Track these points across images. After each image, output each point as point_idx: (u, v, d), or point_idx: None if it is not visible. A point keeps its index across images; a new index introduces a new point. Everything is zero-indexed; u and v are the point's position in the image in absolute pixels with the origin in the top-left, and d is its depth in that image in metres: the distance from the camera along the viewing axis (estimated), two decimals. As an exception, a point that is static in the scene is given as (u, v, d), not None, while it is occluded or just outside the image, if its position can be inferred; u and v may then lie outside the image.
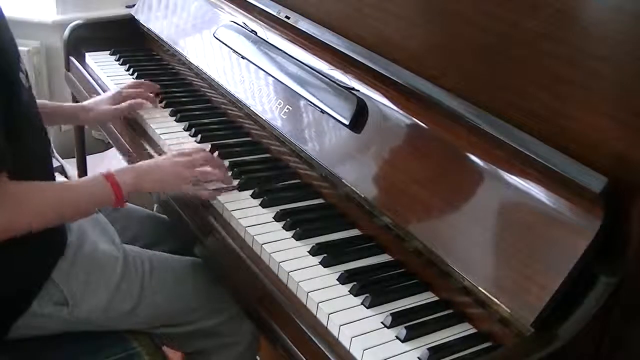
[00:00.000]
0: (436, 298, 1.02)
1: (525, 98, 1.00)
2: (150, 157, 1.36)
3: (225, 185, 1.23)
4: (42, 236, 1.07)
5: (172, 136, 1.42)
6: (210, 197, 1.21)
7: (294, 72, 1.33)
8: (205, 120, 1.50)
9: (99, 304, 1.16)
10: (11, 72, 1.03)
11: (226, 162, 1.30)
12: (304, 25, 1.40)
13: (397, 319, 0.95)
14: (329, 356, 0.91)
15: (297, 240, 1.11)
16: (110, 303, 1.17)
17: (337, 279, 1.02)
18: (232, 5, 1.61)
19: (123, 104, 1.48)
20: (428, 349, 0.90)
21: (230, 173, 1.27)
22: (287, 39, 1.42)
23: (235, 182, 1.25)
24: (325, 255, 1.07)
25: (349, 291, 1.00)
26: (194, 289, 1.27)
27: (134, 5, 1.93)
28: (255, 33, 1.48)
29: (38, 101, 1.17)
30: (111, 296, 1.17)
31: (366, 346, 0.90)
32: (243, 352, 1.31)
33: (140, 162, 1.23)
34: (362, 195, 1.12)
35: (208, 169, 1.23)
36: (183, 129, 1.46)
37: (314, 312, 0.97)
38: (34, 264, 1.12)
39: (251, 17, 1.54)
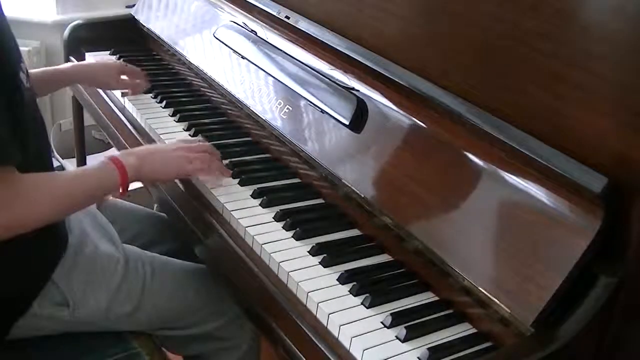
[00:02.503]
0: (436, 298, 1.02)
1: (525, 98, 1.00)
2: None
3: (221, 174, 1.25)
4: (43, 237, 1.07)
5: (172, 136, 1.42)
6: (205, 176, 1.22)
7: (294, 72, 1.33)
8: (205, 120, 1.50)
9: (100, 306, 1.16)
10: (12, 72, 1.03)
11: (226, 162, 1.30)
12: (304, 25, 1.40)
13: (397, 319, 0.95)
14: (329, 356, 0.91)
15: (297, 240, 1.11)
16: (110, 304, 1.17)
17: (337, 279, 1.02)
18: (232, 5, 1.61)
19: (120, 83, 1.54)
20: (428, 349, 0.90)
21: (230, 173, 1.27)
22: (287, 39, 1.42)
23: (234, 181, 1.25)
24: (325, 255, 1.07)
25: (349, 291, 1.00)
26: (194, 291, 1.27)
27: (134, 5, 1.93)
28: (255, 33, 1.48)
29: (33, 71, 1.19)
30: (112, 298, 1.17)
31: (366, 346, 0.90)
32: (243, 355, 1.31)
33: (141, 147, 1.24)
34: (362, 195, 1.12)
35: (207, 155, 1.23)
36: (183, 129, 1.46)
37: (314, 312, 0.97)
38: (35, 264, 1.12)
39: (251, 17, 1.54)
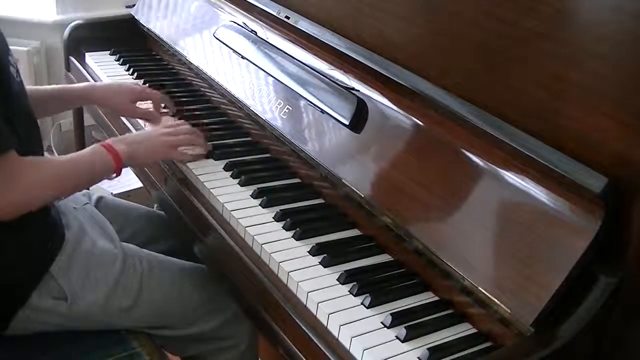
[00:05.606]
0: (436, 298, 1.02)
1: (525, 98, 1.00)
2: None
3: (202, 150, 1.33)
4: (40, 230, 1.10)
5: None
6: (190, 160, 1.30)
7: (294, 72, 1.33)
8: (206, 121, 1.50)
9: (98, 300, 1.17)
10: (2, 63, 1.05)
11: (226, 162, 1.30)
12: (304, 25, 1.40)
13: (397, 319, 0.95)
14: (329, 356, 0.91)
15: (297, 240, 1.11)
16: (108, 299, 1.18)
17: (337, 279, 1.02)
18: (232, 5, 1.61)
19: (138, 111, 1.46)
20: (428, 349, 0.90)
21: (230, 173, 1.28)
22: (287, 39, 1.42)
23: (234, 181, 1.26)
24: (325, 255, 1.07)
25: (349, 291, 1.00)
26: (192, 290, 1.27)
27: (134, 5, 1.93)
28: (255, 33, 1.48)
29: (43, 87, 1.25)
30: (110, 292, 1.18)
31: (366, 346, 0.90)
32: (241, 354, 1.31)
33: (130, 134, 1.31)
34: (362, 195, 1.12)
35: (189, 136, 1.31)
36: (183, 129, 1.46)
37: (314, 312, 0.97)
38: (32, 256, 1.13)
39: (251, 17, 1.54)
